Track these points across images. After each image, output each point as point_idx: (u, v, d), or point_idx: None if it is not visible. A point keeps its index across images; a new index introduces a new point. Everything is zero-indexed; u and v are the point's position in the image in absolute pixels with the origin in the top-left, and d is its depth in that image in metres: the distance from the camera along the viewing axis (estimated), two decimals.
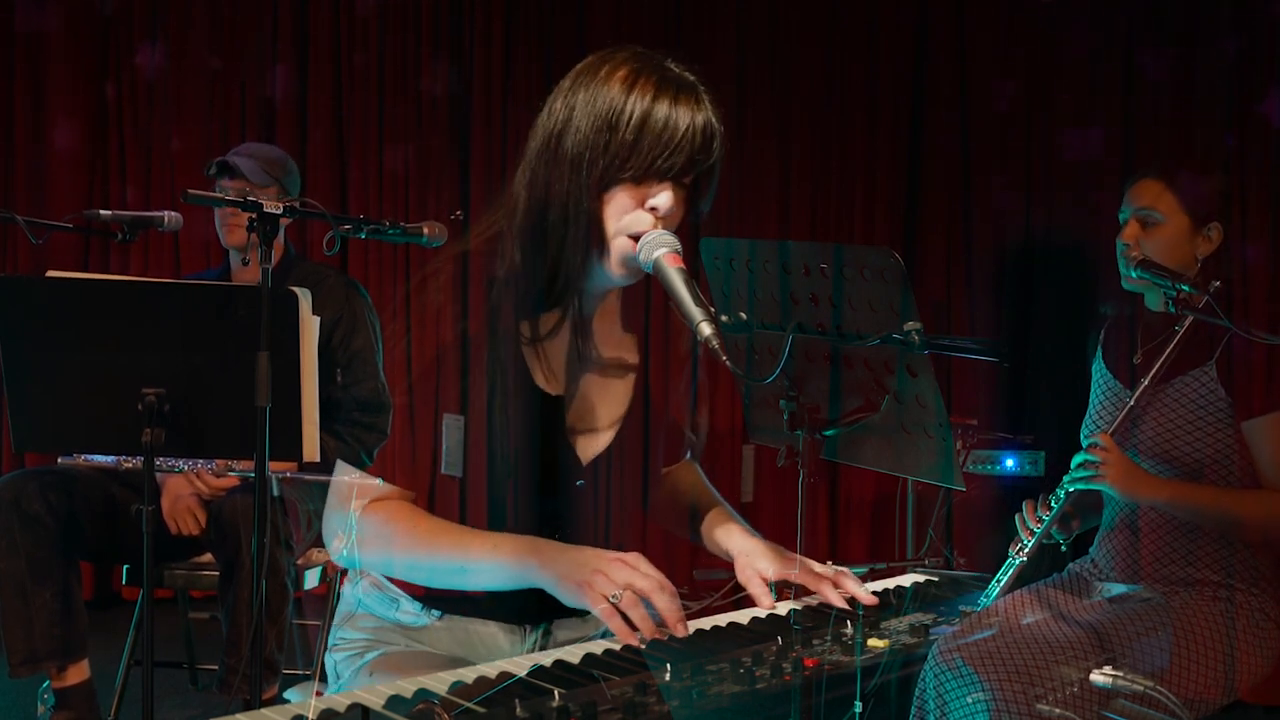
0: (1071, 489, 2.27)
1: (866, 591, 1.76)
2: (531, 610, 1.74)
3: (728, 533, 1.86)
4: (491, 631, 1.76)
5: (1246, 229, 4.39)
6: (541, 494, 1.71)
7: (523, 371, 1.69)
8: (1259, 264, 4.36)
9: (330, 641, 1.85)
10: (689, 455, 2.03)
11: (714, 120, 1.61)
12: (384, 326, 1.76)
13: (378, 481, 1.69)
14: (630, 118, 1.57)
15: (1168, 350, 2.21)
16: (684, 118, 1.57)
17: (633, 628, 1.49)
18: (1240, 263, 4.25)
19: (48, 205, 4.94)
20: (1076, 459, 2.27)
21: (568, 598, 1.54)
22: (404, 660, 1.72)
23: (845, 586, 1.75)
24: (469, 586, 1.66)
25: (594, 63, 1.64)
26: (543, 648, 1.78)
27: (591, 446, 1.78)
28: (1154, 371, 2.23)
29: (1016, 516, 2.31)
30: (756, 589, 1.74)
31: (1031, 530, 2.26)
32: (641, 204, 1.60)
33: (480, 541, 1.63)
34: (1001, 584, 2.15)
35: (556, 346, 1.73)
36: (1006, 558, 2.24)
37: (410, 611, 1.77)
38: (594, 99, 1.60)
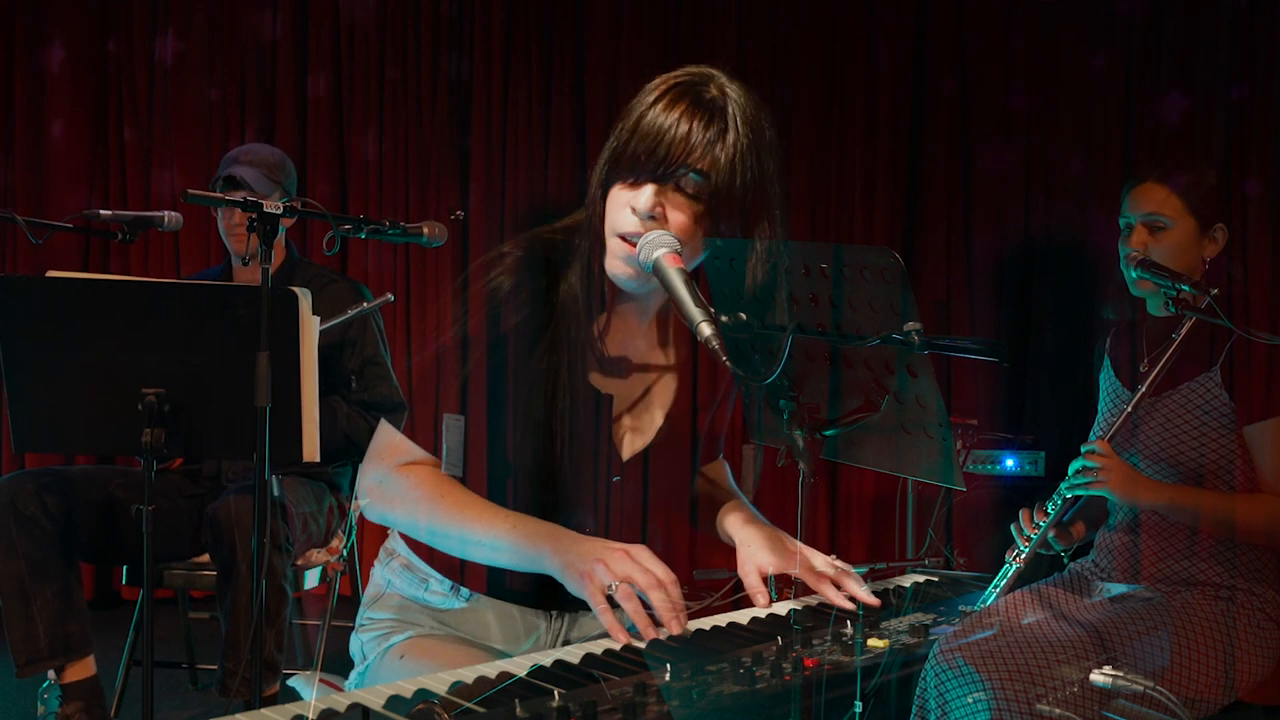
0: (1070, 494, 2.26)
1: (868, 592, 1.76)
2: (559, 596, 1.74)
3: (734, 520, 1.88)
4: (518, 615, 1.78)
5: (1247, 229, 4.39)
6: (579, 487, 1.73)
7: (581, 366, 1.72)
8: (1259, 263, 4.36)
9: (358, 622, 1.87)
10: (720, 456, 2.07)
11: (714, 132, 1.60)
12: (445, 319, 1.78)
13: (412, 444, 1.71)
14: (631, 121, 1.62)
15: (1169, 353, 2.21)
16: (678, 123, 1.59)
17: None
18: (1241, 262, 4.25)
19: (48, 205, 4.94)
20: (1074, 465, 2.27)
21: (571, 587, 1.55)
22: (433, 646, 1.74)
23: (847, 586, 1.75)
24: (482, 561, 1.68)
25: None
26: (568, 635, 1.81)
27: (633, 444, 1.80)
28: (1153, 376, 2.22)
29: (1013, 525, 2.31)
30: (754, 585, 1.74)
31: (1029, 537, 2.26)
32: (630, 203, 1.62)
33: (502, 520, 1.65)
34: (999, 589, 2.15)
35: (604, 344, 1.75)
36: (1006, 559, 2.24)
37: (439, 592, 1.79)
38: (627, 109, 1.65)
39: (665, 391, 1.84)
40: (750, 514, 1.88)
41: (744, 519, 1.87)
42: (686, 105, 1.60)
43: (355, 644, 1.85)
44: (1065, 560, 2.41)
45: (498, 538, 1.63)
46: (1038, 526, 2.27)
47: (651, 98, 1.62)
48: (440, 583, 1.79)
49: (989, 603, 2.09)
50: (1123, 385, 2.44)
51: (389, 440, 1.74)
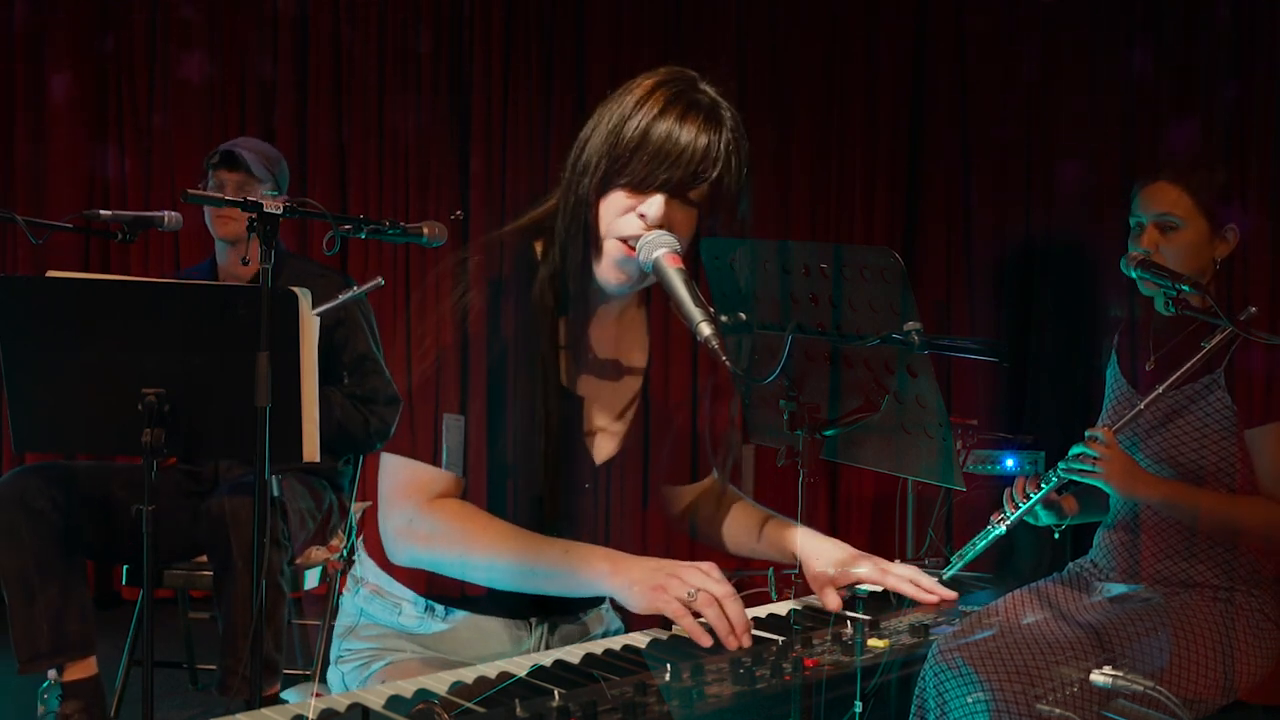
0: (1067, 479, 2.26)
1: (945, 589, 1.85)
2: (534, 605, 1.75)
3: (792, 534, 1.89)
4: (495, 628, 1.77)
5: (1247, 228, 4.38)
6: (553, 493, 1.72)
7: (554, 370, 1.71)
8: (1259, 262, 4.36)
9: (335, 655, 1.84)
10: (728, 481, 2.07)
11: (724, 141, 1.63)
12: (424, 329, 1.78)
13: (431, 470, 1.66)
14: (634, 128, 1.62)
15: (1191, 362, 2.20)
16: (687, 134, 1.60)
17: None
18: (1241, 260, 4.25)
19: (48, 205, 4.94)
20: (1074, 449, 2.26)
21: (638, 603, 1.56)
22: (415, 669, 1.72)
23: (924, 584, 1.83)
24: (534, 590, 1.67)
25: (636, 79, 1.69)
26: (546, 643, 1.80)
27: (603, 449, 1.79)
28: (1170, 381, 2.22)
29: (1006, 490, 2.31)
30: (831, 600, 1.77)
31: (1017, 504, 2.26)
32: (634, 209, 1.62)
33: (551, 548, 1.64)
34: (977, 548, 2.16)
35: (573, 347, 1.75)
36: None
37: (414, 615, 1.77)
38: (613, 110, 1.66)
39: (631, 395, 1.84)
40: (798, 526, 1.90)
41: (802, 531, 1.89)
42: (701, 119, 1.61)
43: (335, 676, 1.82)
44: (1057, 535, 2.40)
45: (549, 566, 1.63)
46: (1028, 496, 2.27)
47: (657, 108, 1.61)
48: (415, 605, 1.76)
49: (965, 560, 2.09)
50: (1126, 382, 2.44)
51: (409, 475, 1.67)
